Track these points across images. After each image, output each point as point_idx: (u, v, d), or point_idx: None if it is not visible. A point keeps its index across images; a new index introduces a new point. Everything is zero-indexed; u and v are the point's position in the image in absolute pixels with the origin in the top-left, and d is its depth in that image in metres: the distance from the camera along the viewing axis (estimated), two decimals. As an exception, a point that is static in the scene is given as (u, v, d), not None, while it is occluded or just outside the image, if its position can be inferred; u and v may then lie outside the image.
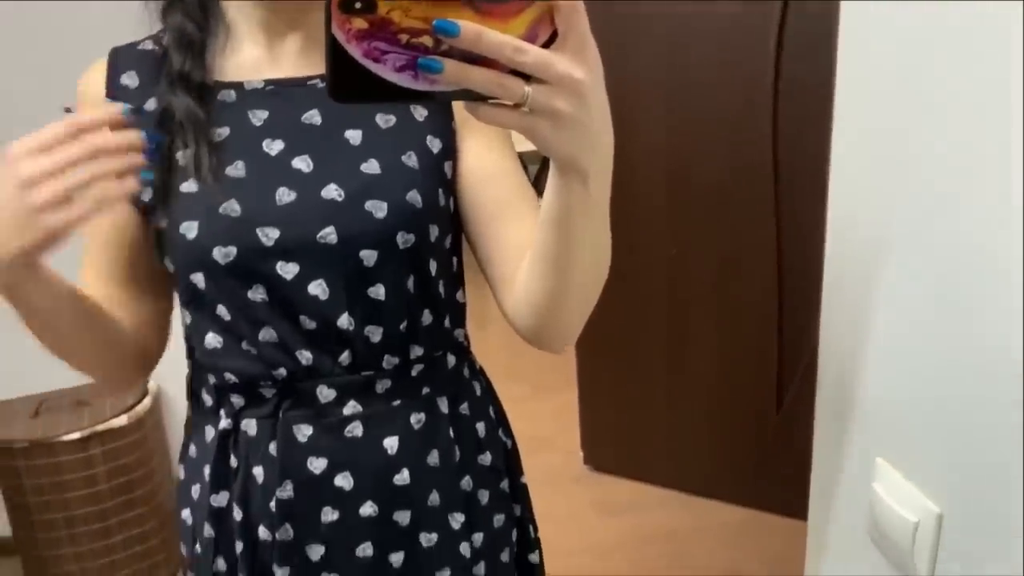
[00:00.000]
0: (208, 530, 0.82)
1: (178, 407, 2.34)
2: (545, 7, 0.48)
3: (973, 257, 0.60)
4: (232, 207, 0.74)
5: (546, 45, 0.49)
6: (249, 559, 0.81)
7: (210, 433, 0.83)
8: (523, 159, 3.86)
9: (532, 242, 0.67)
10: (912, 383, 0.69)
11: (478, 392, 0.90)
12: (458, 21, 0.46)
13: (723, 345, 2.31)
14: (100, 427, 2.01)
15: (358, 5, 0.46)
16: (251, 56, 0.78)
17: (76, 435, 1.98)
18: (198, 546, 0.84)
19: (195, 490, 0.85)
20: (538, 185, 3.45)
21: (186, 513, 0.87)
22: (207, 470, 0.82)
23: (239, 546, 0.81)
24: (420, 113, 0.79)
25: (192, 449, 0.87)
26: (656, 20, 2.15)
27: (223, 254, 0.74)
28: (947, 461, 0.66)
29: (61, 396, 2.14)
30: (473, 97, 0.49)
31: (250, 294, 0.75)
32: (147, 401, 2.14)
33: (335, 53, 0.47)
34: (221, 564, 0.82)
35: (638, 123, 2.25)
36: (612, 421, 2.60)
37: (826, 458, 0.86)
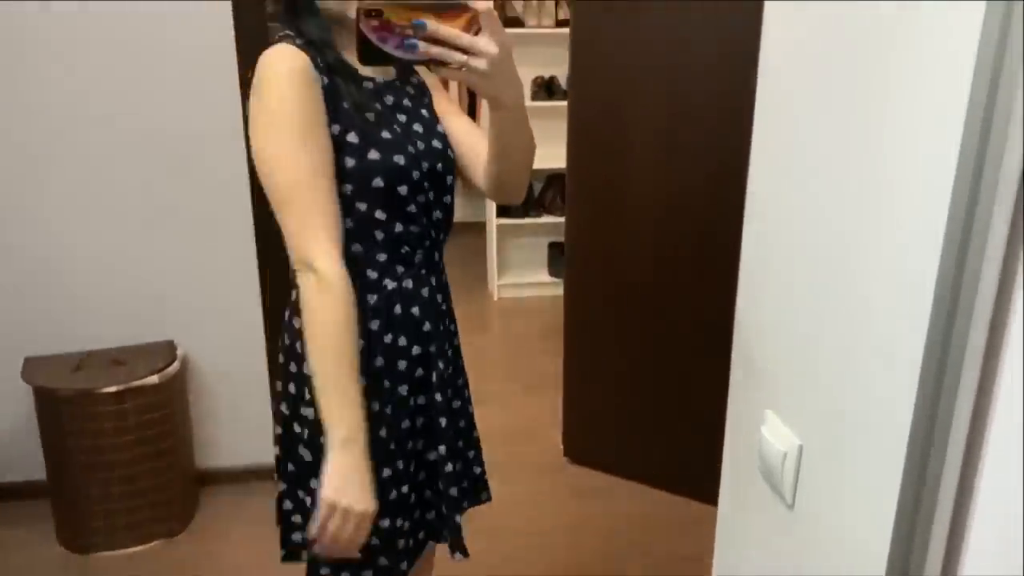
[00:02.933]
0: (380, 361, 1.22)
1: (202, 373, 2.59)
2: (474, 13, 0.95)
3: (837, 253, 0.84)
4: (411, 149, 1.20)
5: (475, 35, 0.95)
6: (409, 372, 1.27)
7: (373, 298, 1.21)
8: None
9: (484, 144, 1.23)
10: (791, 350, 0.94)
11: None
12: (426, 20, 0.93)
13: (694, 359, 2.55)
14: (135, 383, 2.26)
15: (373, 15, 0.93)
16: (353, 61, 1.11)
17: (113, 389, 2.23)
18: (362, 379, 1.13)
19: (360, 343, 1.15)
20: (543, 199, 3.76)
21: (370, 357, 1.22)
22: (376, 323, 1.21)
23: (402, 364, 1.25)
24: (429, 102, 1.32)
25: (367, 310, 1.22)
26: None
27: (416, 175, 1.20)
28: (809, 407, 0.90)
29: (100, 355, 2.40)
30: (436, 63, 0.95)
31: (419, 198, 1.22)
32: (176, 364, 2.39)
33: (362, 39, 0.94)
34: (387, 383, 1.24)
35: (632, 156, 2.52)
36: (591, 419, 2.85)
37: (734, 415, 1.10)
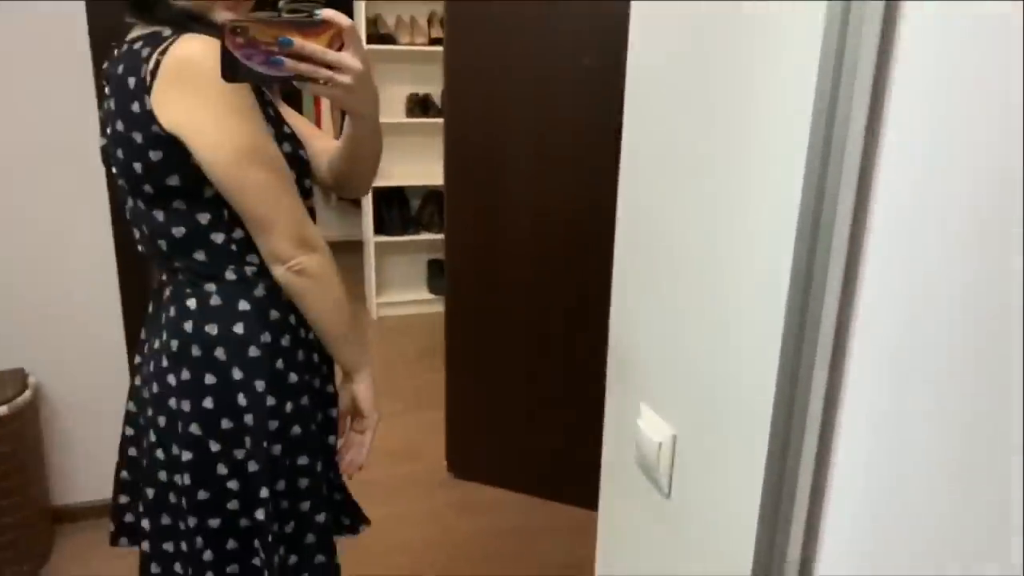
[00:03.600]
0: (301, 355, 1.22)
1: (55, 402, 2.41)
2: (337, 29, 0.97)
3: (700, 250, 0.89)
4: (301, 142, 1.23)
5: (339, 51, 0.98)
6: (319, 363, 1.29)
7: (285, 294, 1.20)
8: (406, 193, 4.17)
9: (334, 147, 1.28)
10: (662, 344, 0.98)
11: None
12: (291, 37, 0.94)
13: (573, 367, 2.61)
14: (-21, 415, 2.08)
15: (238, 30, 0.92)
16: None
17: (-46, 422, 2.04)
18: (293, 376, 1.20)
19: (285, 341, 1.20)
20: (420, 216, 3.76)
21: (280, 364, 1.19)
22: (293, 318, 1.21)
23: (316, 357, 1.27)
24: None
25: (274, 313, 1.20)
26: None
27: (309, 167, 1.25)
28: (681, 397, 0.94)
29: (-62, 386, 2.19)
30: (302, 79, 0.97)
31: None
32: (27, 394, 2.22)
33: (227, 56, 0.93)
34: (307, 377, 1.24)
35: (508, 169, 2.56)
36: (474, 434, 2.85)
37: (611, 410, 1.14)
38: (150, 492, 1.23)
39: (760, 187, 0.75)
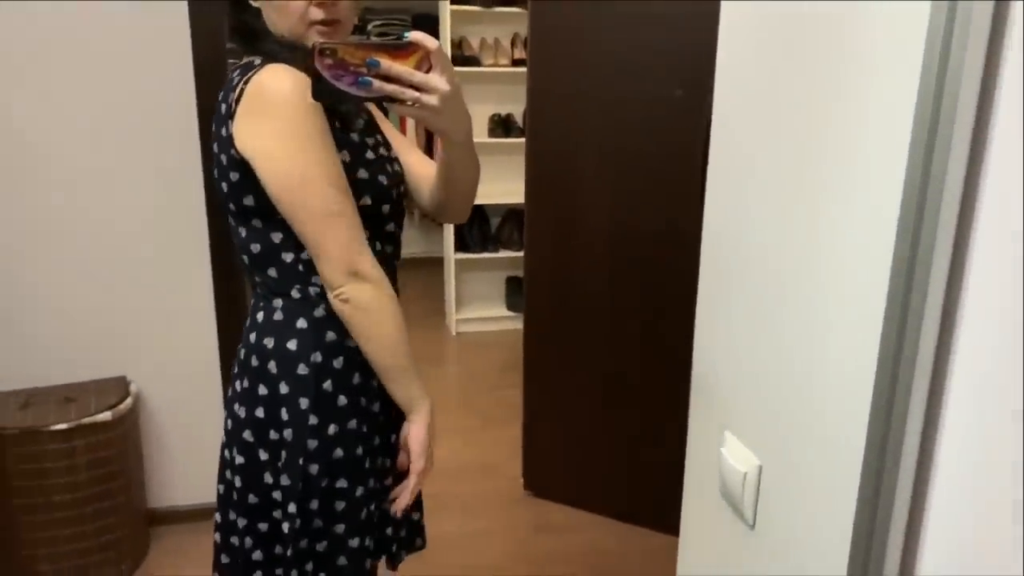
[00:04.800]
0: (357, 379, 1.23)
1: (156, 410, 2.53)
2: (425, 51, 0.99)
3: (791, 276, 0.88)
4: (387, 168, 1.25)
5: (427, 72, 0.99)
6: (380, 389, 1.26)
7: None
8: (487, 211, 4.23)
9: (431, 172, 1.32)
10: (749, 371, 0.97)
11: None
12: (379, 59, 0.96)
13: (651, 387, 2.59)
14: (85, 420, 2.20)
15: (327, 53, 0.95)
16: None
17: (63, 426, 2.17)
18: (342, 399, 1.22)
19: (337, 363, 1.21)
20: (500, 234, 3.80)
21: (327, 385, 1.21)
22: (352, 342, 1.21)
23: (375, 383, 1.25)
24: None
25: (330, 335, 1.22)
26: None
27: (395, 192, 1.26)
28: (767, 426, 0.93)
29: (49, 392, 2.34)
30: (390, 100, 0.98)
31: (397, 219, 1.28)
32: (129, 401, 2.34)
33: (316, 77, 0.96)
34: (363, 401, 1.25)
35: (587, 189, 2.57)
36: (551, 451, 2.85)
37: (694, 437, 1.13)
38: (220, 488, 1.31)
39: (855, 213, 0.74)
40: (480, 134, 4.42)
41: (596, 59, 2.48)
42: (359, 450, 1.23)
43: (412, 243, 5.54)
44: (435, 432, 1.26)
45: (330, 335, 1.20)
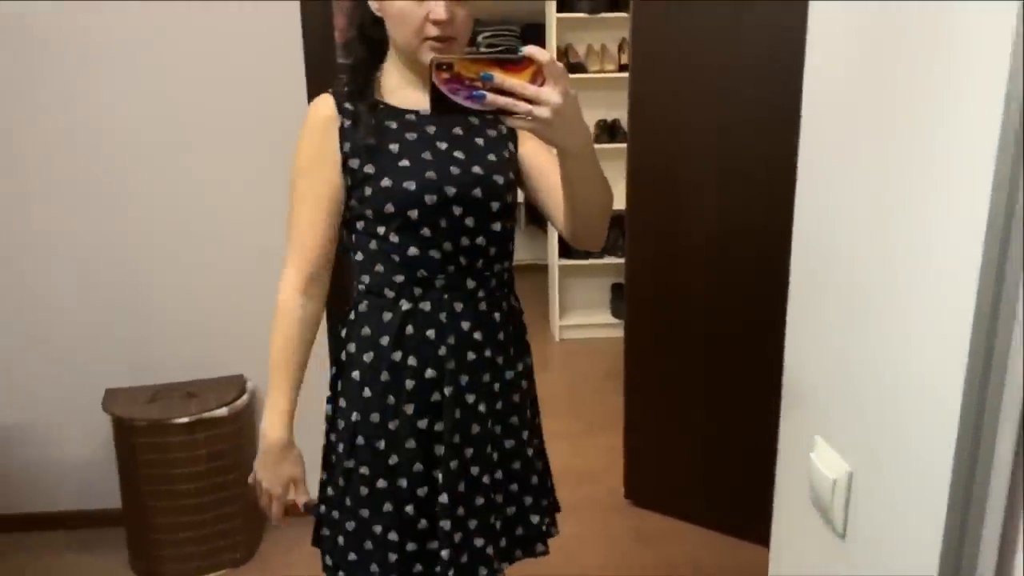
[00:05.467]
0: (385, 376, 1.30)
1: (269, 407, 2.66)
2: (539, 65, 0.97)
3: (882, 283, 0.84)
4: (431, 175, 1.26)
5: (540, 86, 0.98)
6: (416, 393, 1.30)
7: (387, 316, 1.30)
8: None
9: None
10: (839, 376, 0.93)
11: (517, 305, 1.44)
12: (493, 73, 0.97)
13: (755, 397, 2.50)
14: (205, 415, 2.34)
15: (444, 67, 0.97)
16: (415, 95, 1.28)
17: (185, 419, 2.32)
18: (367, 391, 1.31)
19: (367, 356, 1.31)
20: (606, 240, 3.71)
21: (356, 375, 1.32)
22: (385, 339, 1.30)
23: (409, 384, 1.30)
24: (502, 130, 1.33)
25: (365, 330, 1.32)
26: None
27: (429, 199, 1.25)
28: (858, 432, 0.89)
29: (173, 388, 2.50)
30: (506, 113, 0.98)
31: (440, 223, 1.26)
32: (245, 397, 2.47)
33: (434, 91, 0.98)
34: (391, 399, 1.30)
35: (688, 194, 2.53)
36: (653, 460, 2.81)
37: (785, 444, 1.09)
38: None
39: (945, 219, 0.70)
40: (585, 141, 4.42)
41: (698, 60, 2.44)
42: (380, 444, 1.30)
43: (518, 249, 5.59)
44: (259, 467, 1.36)
45: (364, 330, 1.32)
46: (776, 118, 2.28)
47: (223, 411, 2.38)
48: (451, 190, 1.26)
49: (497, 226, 1.31)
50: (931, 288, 0.73)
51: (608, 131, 4.38)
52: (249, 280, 2.58)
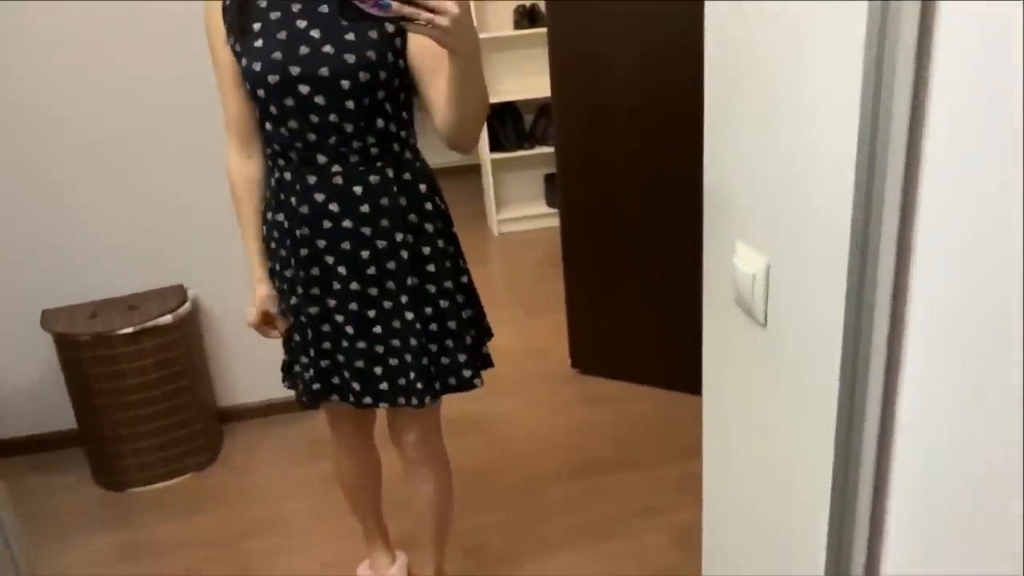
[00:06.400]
0: (273, 232, 1.53)
1: (215, 313, 2.67)
2: None
3: (785, 87, 0.89)
4: (277, 55, 1.37)
5: None
6: (293, 249, 1.48)
7: (271, 181, 1.50)
8: (519, 108, 4.19)
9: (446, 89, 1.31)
10: (752, 182, 0.99)
11: (417, 167, 1.51)
12: None
13: (686, 259, 2.60)
14: (149, 324, 2.34)
15: None
16: None
17: (129, 330, 2.32)
18: (270, 243, 1.55)
19: (267, 215, 1.54)
20: (535, 131, 3.81)
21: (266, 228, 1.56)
22: (271, 203, 1.51)
23: (287, 240, 1.49)
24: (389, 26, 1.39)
25: (266, 192, 1.54)
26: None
27: (272, 79, 1.37)
28: (772, 230, 0.96)
29: (114, 302, 2.48)
30: (408, 20, 1.10)
31: (286, 101, 1.38)
32: (188, 305, 2.47)
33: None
34: (282, 252, 1.52)
35: (613, 75, 2.54)
36: (595, 329, 2.92)
37: (708, 253, 1.16)
38: None
39: (834, 26, 0.75)
40: (506, 27, 4.36)
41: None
42: (284, 285, 1.56)
43: (447, 152, 5.56)
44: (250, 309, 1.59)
45: (266, 192, 1.55)
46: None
47: (167, 318, 2.38)
48: (295, 69, 1.36)
49: (351, 103, 1.38)
50: (825, 87, 0.78)
51: (528, 16, 4.32)
52: (183, 187, 2.54)
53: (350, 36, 1.36)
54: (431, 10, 1.09)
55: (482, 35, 4.22)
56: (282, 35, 1.37)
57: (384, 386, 1.56)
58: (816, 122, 0.82)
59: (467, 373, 1.56)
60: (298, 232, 1.47)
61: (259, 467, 2.54)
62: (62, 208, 2.49)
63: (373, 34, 1.37)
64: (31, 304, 2.49)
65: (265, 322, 1.60)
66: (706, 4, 1.05)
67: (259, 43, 1.37)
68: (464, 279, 1.58)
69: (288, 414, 2.75)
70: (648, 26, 2.45)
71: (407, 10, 1.09)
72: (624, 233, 2.73)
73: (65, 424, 2.61)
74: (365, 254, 1.47)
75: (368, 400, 1.58)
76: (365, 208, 1.44)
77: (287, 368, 1.67)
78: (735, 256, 1.05)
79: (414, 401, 1.54)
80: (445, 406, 1.70)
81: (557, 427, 2.65)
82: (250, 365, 2.72)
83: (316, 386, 1.57)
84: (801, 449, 0.94)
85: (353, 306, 1.50)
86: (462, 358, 1.56)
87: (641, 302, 2.78)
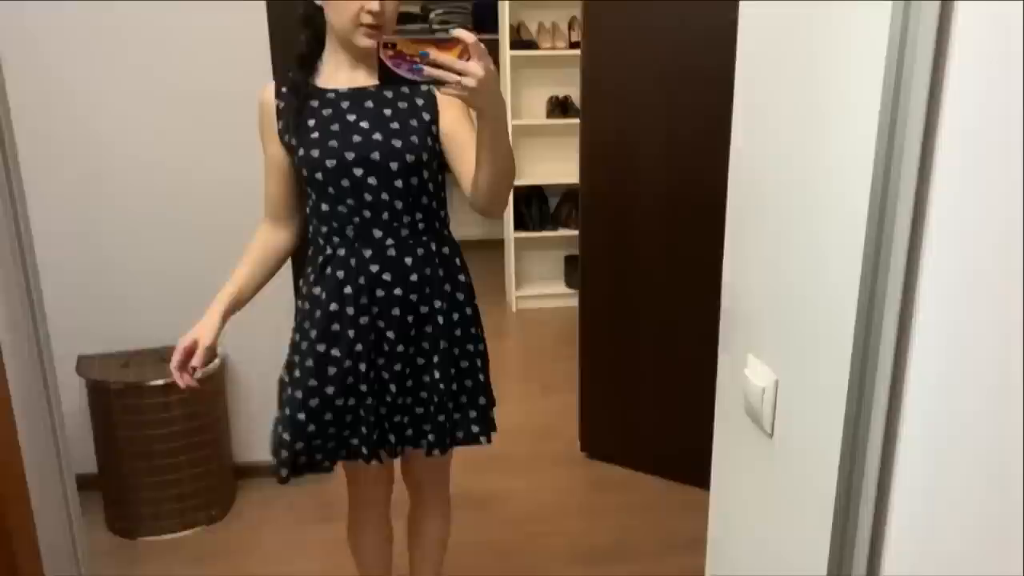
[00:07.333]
0: (305, 305, 1.65)
1: (241, 373, 2.76)
2: (465, 44, 1.21)
3: (799, 218, 0.99)
4: (332, 143, 1.54)
5: (467, 61, 1.22)
6: (320, 321, 1.60)
7: (319, 259, 1.62)
8: (546, 191, 4.36)
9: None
10: (766, 299, 1.09)
11: (453, 243, 1.69)
12: (429, 50, 1.21)
13: (703, 355, 2.68)
14: (180, 378, 2.43)
15: (390, 47, 1.20)
16: (343, 75, 1.59)
17: (160, 382, 2.41)
18: (299, 316, 1.68)
19: (304, 288, 1.65)
20: (559, 214, 3.95)
21: (298, 302, 1.69)
22: (312, 277, 1.63)
23: (317, 313, 1.61)
24: (419, 102, 1.57)
25: (308, 269, 1.65)
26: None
27: (330, 164, 1.53)
28: (782, 347, 1.05)
29: (145, 353, 2.58)
30: (439, 83, 1.22)
31: (342, 183, 1.54)
32: (217, 361, 2.56)
33: (381, 65, 1.21)
34: (306, 325, 1.63)
35: (640, 166, 2.68)
36: (606, 414, 2.98)
37: (723, 364, 1.25)
38: None
39: (843, 158, 0.85)
40: (539, 116, 4.56)
41: (649, 35, 2.59)
42: (309, 361, 1.62)
43: (474, 225, 5.72)
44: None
45: (308, 269, 1.66)
46: (725, 91, 2.44)
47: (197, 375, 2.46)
48: (349, 155, 1.53)
49: (399, 183, 1.55)
50: (833, 222, 0.88)
51: (560, 107, 4.52)
52: (220, 252, 2.66)
53: (395, 125, 1.54)
54: (459, 72, 1.21)
55: (516, 122, 4.44)
56: (335, 127, 1.55)
57: (409, 432, 1.69)
58: (822, 255, 0.92)
59: (475, 429, 1.71)
60: (333, 306, 1.60)
61: (269, 525, 2.59)
62: (106, 260, 2.62)
63: (414, 122, 1.55)
64: (68, 349, 2.59)
65: (190, 352, 1.67)
66: (732, 150, 1.17)
67: (315, 135, 1.55)
68: (482, 347, 1.73)
69: (302, 475, 2.81)
70: (674, 119, 2.59)
71: (437, 72, 1.21)
72: (642, 320, 2.82)
73: (85, 468, 2.68)
74: (410, 319, 1.61)
75: (387, 445, 1.68)
76: (414, 277, 1.60)
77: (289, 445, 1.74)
78: (747, 368, 1.14)
79: (435, 452, 1.68)
80: (452, 483, 1.85)
81: (562, 510, 2.70)
82: (269, 423, 2.79)
83: (318, 456, 1.72)
84: (800, 550, 1.01)
85: (398, 367, 1.62)
86: (472, 414, 1.70)
87: (654, 391, 2.85)
